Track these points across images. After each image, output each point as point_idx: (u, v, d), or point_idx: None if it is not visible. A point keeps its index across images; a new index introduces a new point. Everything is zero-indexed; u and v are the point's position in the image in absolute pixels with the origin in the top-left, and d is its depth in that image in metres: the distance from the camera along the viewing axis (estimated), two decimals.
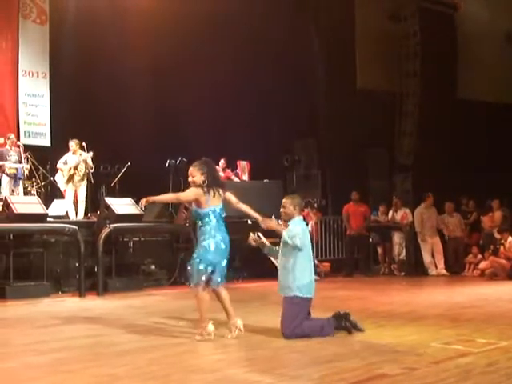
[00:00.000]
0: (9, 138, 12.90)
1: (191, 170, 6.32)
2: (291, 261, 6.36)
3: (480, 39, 17.89)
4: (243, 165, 15.30)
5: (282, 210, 6.51)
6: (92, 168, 12.88)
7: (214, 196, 6.24)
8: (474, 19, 18.12)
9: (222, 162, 14.84)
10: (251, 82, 16.12)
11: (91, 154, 12.76)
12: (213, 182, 6.27)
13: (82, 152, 12.81)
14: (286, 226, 6.45)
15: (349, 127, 16.29)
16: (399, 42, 17.52)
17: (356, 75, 17.11)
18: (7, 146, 12.77)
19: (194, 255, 6.28)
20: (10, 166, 12.55)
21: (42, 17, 15.58)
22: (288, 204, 6.48)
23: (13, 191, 12.52)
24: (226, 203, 6.43)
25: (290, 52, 16.61)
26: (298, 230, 6.35)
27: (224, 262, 6.33)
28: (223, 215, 6.35)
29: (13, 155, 12.63)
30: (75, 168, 12.68)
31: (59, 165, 12.85)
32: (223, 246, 6.28)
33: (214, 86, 15.84)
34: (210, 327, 6.20)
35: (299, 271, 6.39)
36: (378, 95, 16.84)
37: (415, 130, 17.31)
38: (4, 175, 12.61)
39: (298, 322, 6.33)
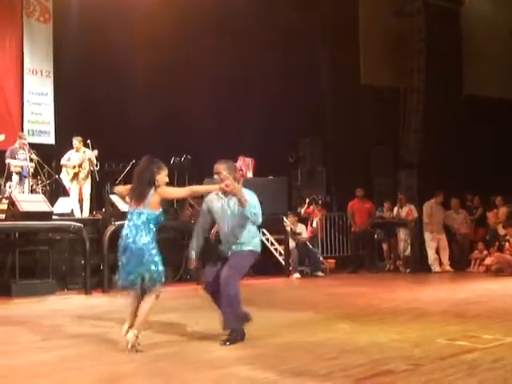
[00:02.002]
0: (20, 137, 12.94)
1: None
2: (245, 221, 6.20)
3: (485, 35, 17.85)
4: (248, 161, 15.29)
5: (216, 176, 6.18)
6: (96, 166, 12.89)
7: None
8: (479, 15, 18.08)
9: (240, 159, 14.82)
10: (256, 79, 16.09)
11: (96, 152, 12.77)
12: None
13: (86, 149, 12.83)
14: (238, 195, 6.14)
15: (354, 124, 16.28)
16: (404, 38, 17.47)
17: (360, 72, 17.08)
18: (16, 145, 12.80)
19: None
20: (15, 164, 12.58)
21: (46, 15, 15.58)
22: (222, 169, 6.20)
23: (18, 189, 12.54)
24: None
25: (295, 49, 16.56)
26: (258, 206, 6.23)
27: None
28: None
29: (22, 153, 12.66)
30: (79, 166, 12.71)
31: (63, 161, 12.89)
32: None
33: (218, 83, 15.82)
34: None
35: (255, 229, 6.37)
36: (382, 92, 16.81)
37: (420, 126, 17.28)
38: (14, 174, 12.65)
39: (238, 273, 6.16)
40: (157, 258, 5.83)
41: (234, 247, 6.24)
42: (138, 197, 5.89)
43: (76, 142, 12.77)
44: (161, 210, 5.93)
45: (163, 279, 5.89)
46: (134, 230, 5.86)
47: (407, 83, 17.47)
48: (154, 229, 5.89)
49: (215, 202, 6.29)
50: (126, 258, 5.83)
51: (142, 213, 5.85)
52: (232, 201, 6.24)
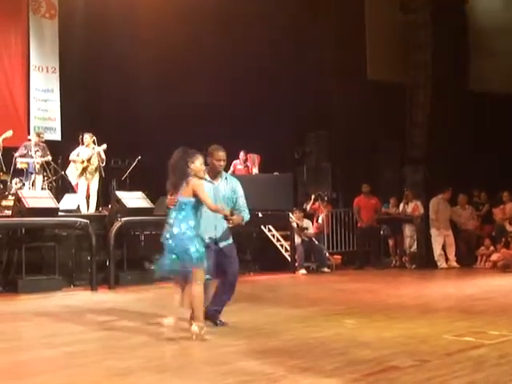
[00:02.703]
0: (38, 135, 13.02)
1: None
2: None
3: (492, 29, 17.76)
4: (254, 158, 15.30)
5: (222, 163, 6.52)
6: (103, 161, 12.93)
7: None
8: (485, 9, 18.00)
9: (241, 154, 14.86)
10: (262, 75, 16.09)
11: (105, 146, 12.81)
12: None
13: (95, 146, 12.88)
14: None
15: (360, 119, 16.24)
16: (410, 33, 17.40)
17: (366, 67, 17.04)
18: (32, 142, 12.84)
19: None
20: (21, 160, 12.62)
21: (52, 11, 15.60)
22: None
23: (33, 185, 12.60)
24: None
25: (300, 44, 16.55)
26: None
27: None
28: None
29: (37, 151, 12.71)
30: (88, 160, 12.75)
31: (72, 157, 12.93)
32: None
33: (224, 80, 15.80)
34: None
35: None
36: (389, 87, 16.76)
37: (426, 121, 17.21)
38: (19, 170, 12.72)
39: None
40: (196, 245, 6.00)
41: (224, 240, 6.45)
42: (174, 187, 6.11)
43: (87, 137, 12.84)
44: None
45: (203, 265, 6.02)
46: (174, 217, 6.07)
47: (413, 78, 17.41)
48: (193, 215, 6.09)
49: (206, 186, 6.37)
50: (169, 246, 6.04)
51: (179, 201, 6.05)
52: (222, 185, 6.49)
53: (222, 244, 6.48)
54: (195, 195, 6.07)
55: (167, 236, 6.10)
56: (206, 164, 6.40)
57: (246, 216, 6.59)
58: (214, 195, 6.40)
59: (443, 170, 15.52)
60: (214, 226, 6.40)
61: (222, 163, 6.53)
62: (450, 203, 14.62)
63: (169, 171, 6.20)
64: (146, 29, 15.11)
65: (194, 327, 5.95)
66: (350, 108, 16.34)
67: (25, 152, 12.69)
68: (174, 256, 6.01)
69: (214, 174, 6.53)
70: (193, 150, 6.22)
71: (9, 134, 12.48)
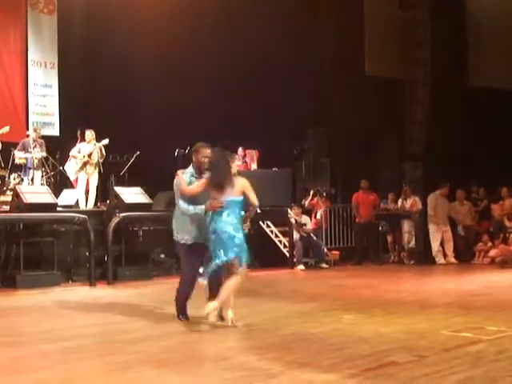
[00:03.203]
0: (35, 131, 13.01)
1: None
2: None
3: (491, 26, 17.75)
4: (252, 153, 15.31)
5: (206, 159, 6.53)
6: (103, 157, 12.95)
7: None
8: (484, 5, 17.97)
9: (240, 150, 14.85)
10: (261, 71, 16.08)
11: (106, 140, 12.84)
12: None
13: (97, 142, 12.89)
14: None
15: (359, 115, 16.23)
16: (409, 29, 17.39)
17: (365, 63, 17.02)
18: (30, 138, 12.83)
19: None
20: (19, 155, 12.62)
21: (50, 7, 15.56)
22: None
23: (32, 180, 12.60)
24: None
25: (299, 41, 16.52)
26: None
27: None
28: None
29: (35, 146, 12.70)
30: (89, 156, 12.78)
31: (73, 152, 12.94)
32: None
33: (224, 75, 15.80)
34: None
35: None
36: (387, 83, 16.75)
37: (425, 117, 17.21)
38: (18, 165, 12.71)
39: None
40: (238, 241, 6.19)
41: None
42: (219, 187, 6.24)
43: (89, 133, 12.91)
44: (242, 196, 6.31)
45: (244, 261, 6.26)
46: (219, 216, 6.23)
47: (412, 74, 17.39)
48: (239, 213, 6.30)
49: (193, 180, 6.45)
50: (214, 241, 6.24)
51: (227, 201, 6.21)
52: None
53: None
54: (244, 194, 6.26)
55: (212, 232, 6.26)
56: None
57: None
58: (203, 192, 6.38)
59: (442, 167, 15.52)
60: (202, 229, 6.43)
61: (208, 161, 6.52)
62: (449, 199, 14.64)
63: (211, 170, 6.33)
64: (145, 24, 15.08)
65: (230, 314, 6.22)
66: (348, 104, 16.32)
67: (23, 148, 12.68)
68: (220, 251, 6.18)
69: (201, 171, 6.54)
70: (228, 152, 6.54)
71: (5, 129, 12.46)
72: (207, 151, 6.55)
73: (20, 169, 12.79)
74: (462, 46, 17.78)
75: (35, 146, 12.70)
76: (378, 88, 16.35)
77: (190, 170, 6.61)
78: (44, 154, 12.90)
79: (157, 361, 5.08)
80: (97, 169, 12.93)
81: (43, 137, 13.45)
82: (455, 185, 14.60)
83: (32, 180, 12.69)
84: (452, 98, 16.57)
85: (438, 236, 14.16)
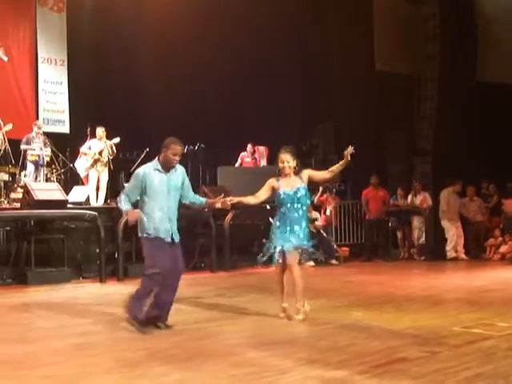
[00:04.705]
0: (35, 125, 13.02)
1: (285, 156, 6.71)
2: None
3: (500, 21, 17.64)
4: (262, 150, 15.29)
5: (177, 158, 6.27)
6: (113, 154, 12.98)
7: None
8: (494, 1, 17.86)
9: (249, 146, 14.85)
10: (269, 66, 16.05)
11: (117, 139, 12.89)
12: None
13: (107, 140, 12.92)
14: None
15: (368, 111, 16.18)
16: (418, 24, 17.32)
17: (374, 58, 16.98)
18: (33, 133, 12.86)
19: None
20: (32, 152, 12.65)
21: (59, 4, 15.58)
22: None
23: (36, 178, 12.63)
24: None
25: (308, 36, 16.49)
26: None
27: None
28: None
29: (37, 142, 12.74)
30: (100, 153, 12.81)
31: (83, 149, 12.98)
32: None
33: (232, 71, 15.78)
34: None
35: None
36: (396, 78, 16.70)
37: (434, 113, 17.15)
38: (29, 163, 12.73)
39: None
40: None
41: (175, 235, 6.29)
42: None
43: (100, 131, 12.95)
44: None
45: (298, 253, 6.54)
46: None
47: (421, 69, 17.33)
48: (279, 208, 6.68)
49: (154, 176, 6.16)
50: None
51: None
52: (174, 176, 6.25)
53: (174, 240, 6.30)
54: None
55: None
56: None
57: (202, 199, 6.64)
58: (168, 185, 6.18)
59: (451, 162, 15.46)
60: (169, 219, 6.23)
61: (178, 158, 6.23)
62: (459, 195, 14.58)
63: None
64: (155, 22, 15.09)
65: (307, 306, 6.49)
66: (357, 100, 16.28)
67: (27, 143, 12.71)
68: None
69: (168, 168, 6.20)
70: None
71: (9, 127, 12.47)
72: (177, 148, 6.22)
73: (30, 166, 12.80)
74: (471, 40, 17.69)
75: (38, 142, 12.71)
76: (387, 83, 16.30)
77: (154, 163, 6.24)
78: (48, 150, 12.85)
79: (167, 357, 5.09)
80: (107, 166, 12.98)
81: (53, 134, 13.47)
82: (465, 181, 14.55)
83: (43, 177, 12.73)
84: (461, 94, 16.51)
85: (453, 231, 14.10)
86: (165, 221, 6.17)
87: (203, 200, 6.61)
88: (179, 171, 6.35)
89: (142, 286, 6.15)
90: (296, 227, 6.59)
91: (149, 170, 6.18)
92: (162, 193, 6.15)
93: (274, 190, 6.69)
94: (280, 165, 6.70)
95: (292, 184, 6.65)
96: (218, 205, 6.57)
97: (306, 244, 6.61)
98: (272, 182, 6.72)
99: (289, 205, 6.61)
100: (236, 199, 6.63)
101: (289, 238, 6.54)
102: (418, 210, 14.55)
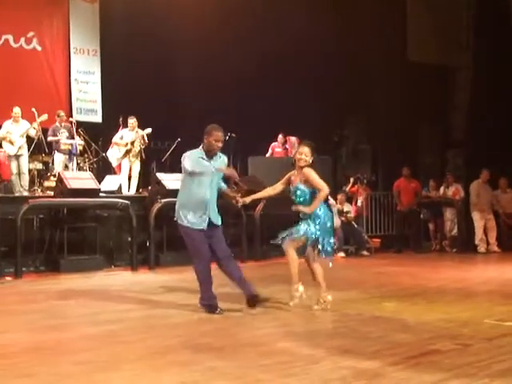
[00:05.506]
0: (58, 116, 13.12)
1: (303, 148, 6.68)
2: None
3: None
4: (293, 140, 15.24)
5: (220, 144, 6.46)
6: (145, 144, 13.07)
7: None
8: None
9: (280, 137, 14.79)
10: (302, 58, 15.99)
11: (149, 130, 12.96)
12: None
13: (139, 130, 13.00)
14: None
15: (400, 101, 16.05)
16: (453, 14, 17.10)
17: (407, 49, 16.82)
18: (57, 123, 12.99)
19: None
20: (64, 142, 12.78)
21: None
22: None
23: (67, 167, 12.77)
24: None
25: (341, 26, 16.39)
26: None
27: None
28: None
29: (63, 132, 12.86)
30: (132, 143, 12.91)
31: (115, 139, 13.07)
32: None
33: (265, 62, 15.76)
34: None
35: None
36: (430, 68, 16.53)
37: (468, 104, 16.95)
38: (57, 152, 12.86)
39: None
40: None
41: (216, 220, 6.45)
42: None
43: (132, 121, 13.03)
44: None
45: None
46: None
47: (455, 60, 17.13)
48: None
49: (200, 162, 6.35)
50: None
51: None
52: (217, 163, 6.41)
53: (214, 224, 6.50)
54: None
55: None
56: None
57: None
58: (212, 173, 6.37)
59: (484, 154, 15.27)
60: (208, 209, 6.41)
61: (220, 145, 6.41)
62: (491, 187, 14.40)
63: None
64: (187, 10, 15.11)
65: (329, 297, 6.60)
66: (389, 90, 16.16)
67: (53, 134, 12.83)
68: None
69: (211, 154, 6.40)
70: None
71: (44, 117, 12.60)
72: (219, 134, 6.38)
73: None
74: (506, 31, 17.41)
75: (63, 132, 12.82)
76: (420, 74, 16.15)
77: (199, 151, 6.44)
78: (74, 141, 12.91)
79: (197, 345, 5.13)
80: (139, 156, 13.07)
81: (86, 123, 13.58)
82: (498, 172, 14.36)
83: (76, 166, 12.87)
84: (495, 85, 16.27)
85: (482, 224, 13.96)
86: (204, 212, 6.36)
87: (224, 187, 6.66)
88: (223, 159, 6.54)
89: (196, 273, 6.60)
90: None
91: (196, 157, 6.37)
92: (207, 180, 6.33)
93: (289, 183, 6.72)
94: (297, 156, 6.66)
95: (298, 179, 6.63)
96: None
97: (301, 235, 6.58)
98: (291, 173, 6.75)
99: (293, 198, 6.67)
100: (249, 199, 6.76)
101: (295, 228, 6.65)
102: (450, 202, 14.40)
